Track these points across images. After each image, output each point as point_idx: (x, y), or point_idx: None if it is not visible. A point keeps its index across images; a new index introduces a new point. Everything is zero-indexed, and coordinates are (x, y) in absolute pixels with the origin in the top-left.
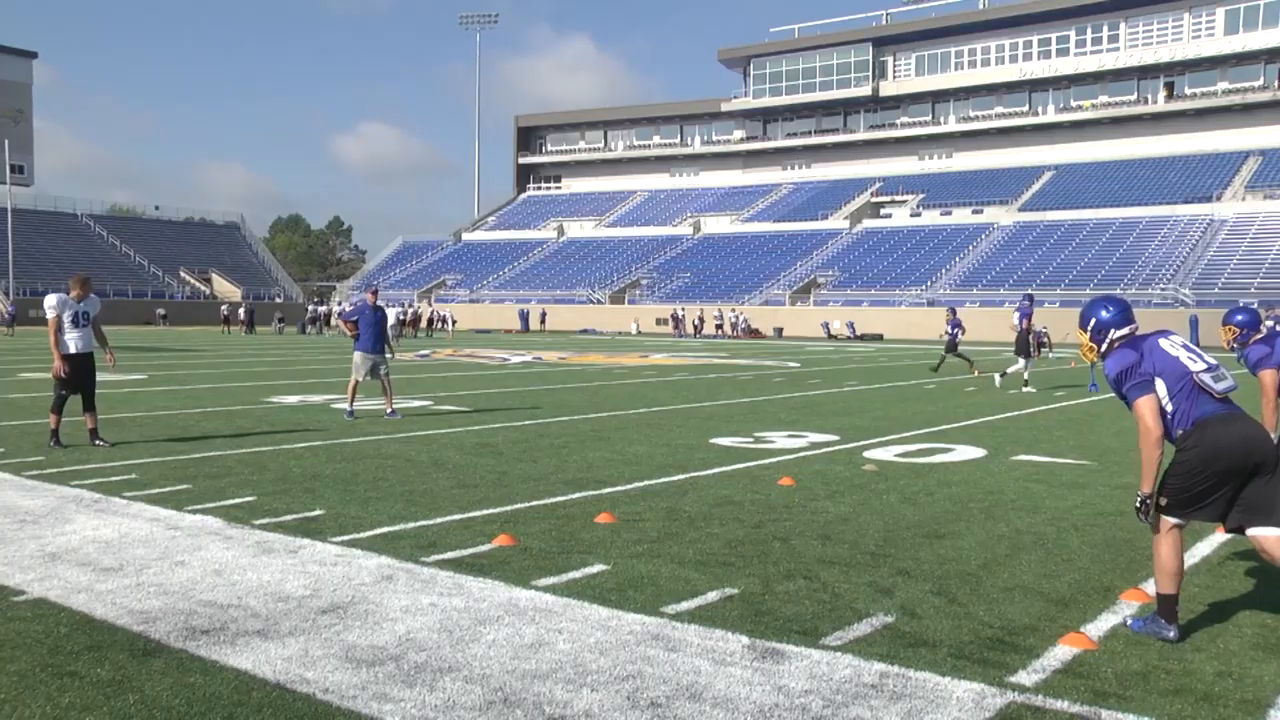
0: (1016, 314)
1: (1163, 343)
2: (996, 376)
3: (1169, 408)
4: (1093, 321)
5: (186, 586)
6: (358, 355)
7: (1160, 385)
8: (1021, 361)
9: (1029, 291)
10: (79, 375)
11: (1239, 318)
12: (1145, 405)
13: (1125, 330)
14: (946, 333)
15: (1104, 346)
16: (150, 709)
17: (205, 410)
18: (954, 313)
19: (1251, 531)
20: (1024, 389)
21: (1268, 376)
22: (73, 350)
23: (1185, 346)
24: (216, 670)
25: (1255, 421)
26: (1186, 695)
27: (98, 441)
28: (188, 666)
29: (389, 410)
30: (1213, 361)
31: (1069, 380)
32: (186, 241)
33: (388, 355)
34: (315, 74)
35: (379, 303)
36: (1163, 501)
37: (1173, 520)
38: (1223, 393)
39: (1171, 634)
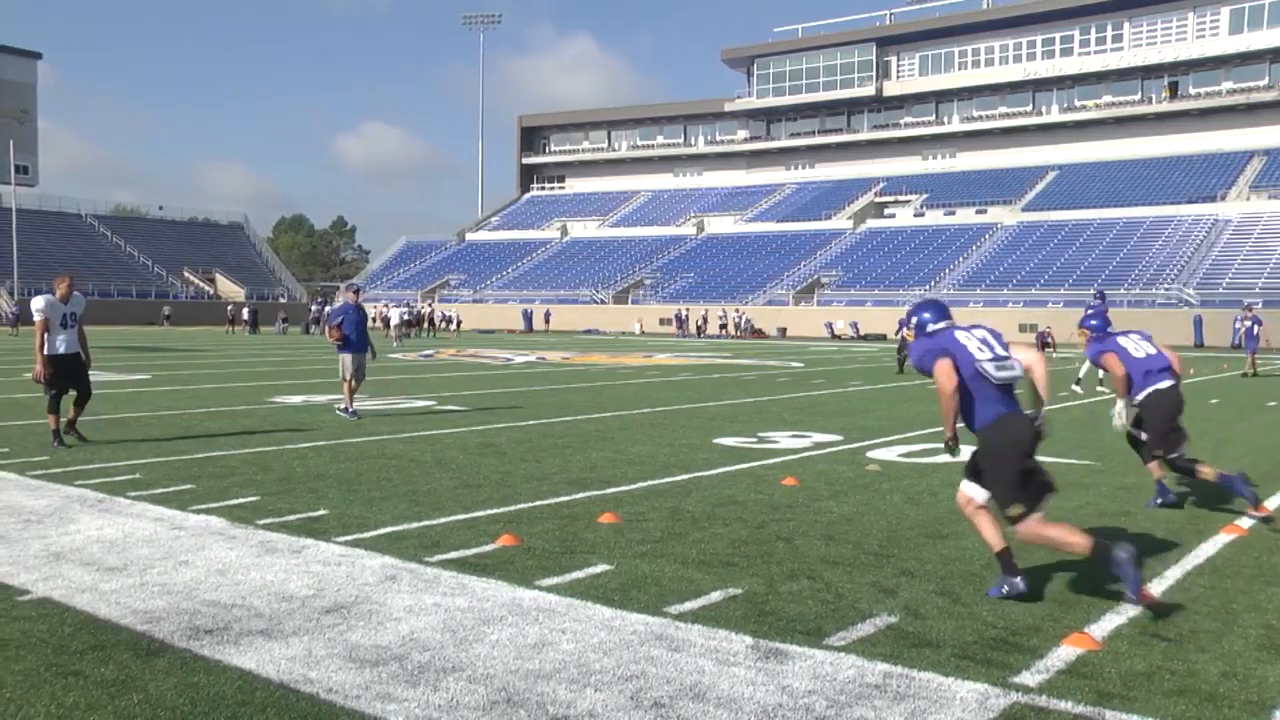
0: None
1: (958, 333)
2: (1075, 386)
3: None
4: (914, 320)
5: (190, 586)
6: (346, 357)
7: (951, 362)
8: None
9: (1100, 289)
10: (69, 375)
11: (1092, 323)
12: (940, 368)
13: (940, 325)
14: (904, 334)
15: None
16: (154, 708)
17: (209, 410)
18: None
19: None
20: (1073, 386)
21: (1110, 360)
22: (61, 351)
23: (983, 341)
24: (220, 670)
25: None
26: (1191, 696)
27: (70, 432)
28: (191, 666)
29: (346, 407)
30: (1002, 354)
31: (1071, 380)
32: (190, 242)
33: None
34: (316, 74)
35: (360, 301)
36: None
37: (1019, 510)
38: (1000, 381)
39: (1021, 583)
